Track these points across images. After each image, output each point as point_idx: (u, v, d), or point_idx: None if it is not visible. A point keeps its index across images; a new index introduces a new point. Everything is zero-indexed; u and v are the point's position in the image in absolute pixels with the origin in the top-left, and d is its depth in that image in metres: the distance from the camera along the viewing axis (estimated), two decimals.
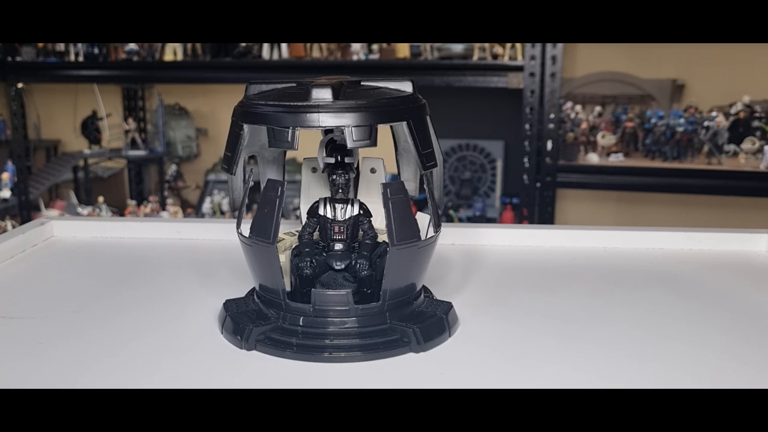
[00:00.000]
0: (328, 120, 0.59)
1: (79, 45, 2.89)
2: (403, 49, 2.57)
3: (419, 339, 0.62)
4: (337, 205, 0.66)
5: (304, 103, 0.59)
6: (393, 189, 0.61)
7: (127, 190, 3.45)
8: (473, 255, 0.93)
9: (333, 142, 0.67)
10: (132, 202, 3.12)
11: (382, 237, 0.67)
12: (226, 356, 0.62)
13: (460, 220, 2.80)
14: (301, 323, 0.63)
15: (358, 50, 2.64)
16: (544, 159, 2.43)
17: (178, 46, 2.82)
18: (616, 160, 2.45)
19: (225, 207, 3.08)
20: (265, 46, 2.71)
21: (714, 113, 2.41)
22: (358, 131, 0.59)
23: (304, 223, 0.69)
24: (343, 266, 0.65)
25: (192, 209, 3.24)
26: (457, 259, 0.91)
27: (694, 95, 2.66)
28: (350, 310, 0.63)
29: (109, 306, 0.74)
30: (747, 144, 2.38)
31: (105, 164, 3.37)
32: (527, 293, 0.78)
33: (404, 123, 0.61)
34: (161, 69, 2.86)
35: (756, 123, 2.41)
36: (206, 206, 3.10)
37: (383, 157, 0.76)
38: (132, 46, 2.83)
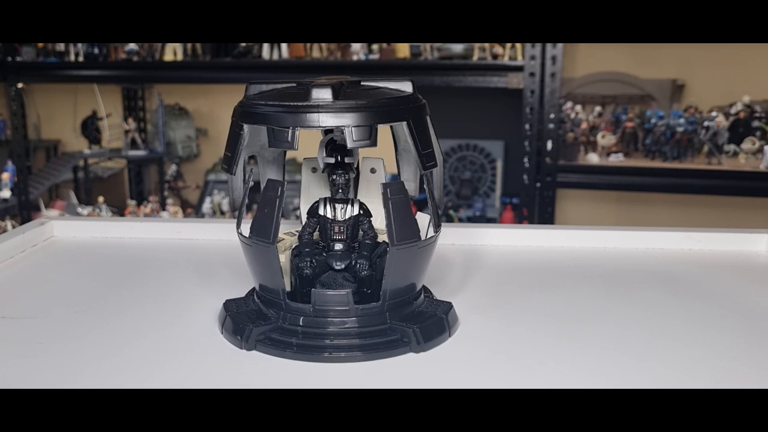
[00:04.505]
0: (328, 120, 0.59)
1: (79, 45, 2.89)
2: (403, 49, 2.57)
3: (419, 339, 0.62)
4: (337, 205, 0.66)
5: (304, 103, 0.59)
6: (393, 189, 0.61)
7: (127, 190, 3.45)
8: (473, 255, 0.93)
9: (333, 142, 0.67)
10: (132, 202, 3.12)
11: (382, 237, 0.67)
12: (226, 356, 0.62)
13: (460, 220, 2.80)
14: (301, 323, 0.63)
15: (358, 50, 2.64)
16: (544, 159, 2.43)
17: (178, 46, 2.82)
18: (616, 160, 2.45)
19: (225, 207, 3.08)
20: (265, 46, 2.71)
21: (714, 113, 2.41)
22: (358, 131, 0.59)
23: (304, 223, 0.69)
24: (343, 266, 0.65)
25: (192, 209, 3.24)
26: (457, 259, 0.91)
27: (694, 95, 2.66)
28: (350, 310, 0.63)
29: (109, 306, 0.74)
30: (747, 144, 2.38)
31: (105, 164, 3.37)
32: (527, 293, 0.78)
33: (404, 123, 0.61)
34: (161, 69, 2.86)
35: (756, 123, 2.41)
36: (206, 206, 3.10)
37: (383, 157, 0.76)
38: (132, 46, 2.83)
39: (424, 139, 0.63)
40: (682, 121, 2.40)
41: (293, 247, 0.69)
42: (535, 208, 2.48)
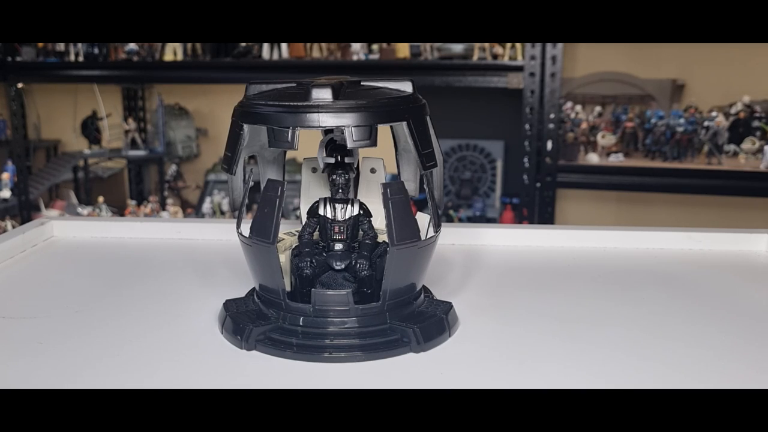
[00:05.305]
0: (328, 120, 0.59)
1: (79, 45, 2.89)
2: (403, 49, 2.57)
3: (419, 339, 0.62)
4: (337, 205, 0.66)
5: (304, 103, 0.59)
6: (393, 189, 0.61)
7: (127, 190, 3.45)
8: (473, 255, 0.93)
9: (333, 142, 0.67)
10: (132, 202, 3.12)
11: (382, 237, 0.67)
12: (226, 356, 0.62)
13: (460, 220, 2.80)
14: (301, 323, 0.63)
15: (358, 50, 2.64)
16: (544, 159, 2.43)
17: (178, 46, 2.82)
18: (616, 160, 2.45)
19: (225, 207, 3.08)
20: (265, 46, 2.71)
21: (714, 113, 2.41)
22: (358, 131, 0.59)
23: (304, 223, 0.69)
24: (343, 266, 0.65)
25: (192, 209, 3.24)
26: (457, 259, 0.91)
27: (694, 95, 2.66)
28: (350, 310, 0.63)
29: (109, 306, 0.74)
30: (747, 144, 2.38)
31: (105, 164, 3.37)
32: (527, 293, 0.78)
33: (404, 123, 0.61)
34: (161, 69, 2.86)
35: (756, 123, 2.41)
36: (206, 206, 3.10)
37: (383, 157, 0.76)
38: (132, 46, 2.83)
39: (424, 139, 0.63)
40: (682, 121, 2.40)
41: (293, 247, 0.69)
42: (535, 208, 2.48)
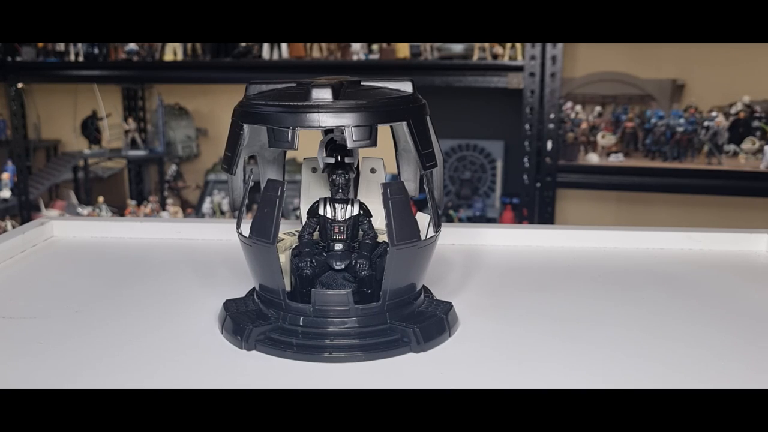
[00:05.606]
0: (328, 120, 0.59)
1: (79, 45, 2.89)
2: (403, 49, 2.57)
3: (419, 339, 0.62)
4: (337, 205, 0.66)
5: (304, 103, 0.59)
6: (393, 189, 0.61)
7: (127, 190, 3.45)
8: (473, 255, 0.93)
9: (333, 142, 0.67)
10: (132, 202, 3.12)
11: (382, 237, 0.67)
12: (226, 356, 0.62)
13: (460, 220, 2.80)
14: (301, 323, 0.63)
15: (358, 50, 2.64)
16: (544, 159, 2.43)
17: (178, 46, 2.82)
18: (616, 160, 2.45)
19: (225, 207, 3.08)
20: (265, 46, 2.71)
21: (714, 113, 2.41)
22: (358, 131, 0.59)
23: (304, 223, 0.69)
24: (343, 266, 0.65)
25: (192, 209, 3.24)
26: (457, 259, 0.91)
27: (694, 95, 2.66)
28: (350, 310, 0.63)
29: (109, 306, 0.74)
30: (747, 144, 2.38)
31: (105, 164, 3.37)
32: (527, 293, 0.78)
33: (404, 123, 0.61)
34: (161, 69, 2.86)
35: (756, 123, 2.41)
36: (206, 206, 3.10)
37: (383, 157, 0.76)
38: (132, 46, 2.83)
39: (424, 139, 0.63)
40: (682, 121, 2.40)
41: (293, 247, 0.69)
42: (535, 208, 2.48)
